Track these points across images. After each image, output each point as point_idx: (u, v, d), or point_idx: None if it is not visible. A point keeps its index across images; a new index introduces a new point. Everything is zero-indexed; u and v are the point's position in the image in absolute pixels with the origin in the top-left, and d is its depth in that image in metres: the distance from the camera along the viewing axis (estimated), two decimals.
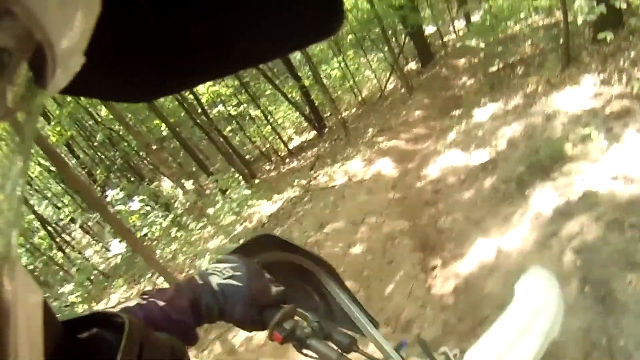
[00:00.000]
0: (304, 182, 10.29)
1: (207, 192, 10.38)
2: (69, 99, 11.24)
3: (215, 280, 0.86)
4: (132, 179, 17.25)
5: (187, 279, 0.88)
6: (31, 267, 14.30)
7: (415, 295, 4.29)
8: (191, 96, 15.55)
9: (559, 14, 10.11)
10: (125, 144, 16.88)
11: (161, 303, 0.80)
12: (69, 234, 20.76)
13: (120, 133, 16.12)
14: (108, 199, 9.49)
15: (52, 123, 12.49)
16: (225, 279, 0.86)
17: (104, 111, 14.41)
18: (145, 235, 9.54)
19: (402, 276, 4.70)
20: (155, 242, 9.51)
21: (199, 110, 15.87)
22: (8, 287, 0.25)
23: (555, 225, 3.91)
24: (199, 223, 9.94)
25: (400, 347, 0.97)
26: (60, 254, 15.36)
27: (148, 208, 9.68)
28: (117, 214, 8.99)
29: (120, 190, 9.42)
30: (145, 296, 0.82)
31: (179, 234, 9.59)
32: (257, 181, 15.09)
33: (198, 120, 15.70)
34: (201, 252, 8.19)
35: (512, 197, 4.87)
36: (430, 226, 5.52)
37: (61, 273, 13.79)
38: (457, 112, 8.73)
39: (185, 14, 0.38)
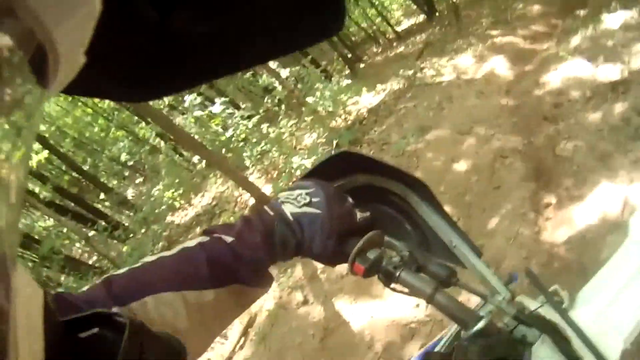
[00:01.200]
0: (409, 72, 9.44)
1: (307, 77, 9.81)
2: None
3: (289, 210, 0.76)
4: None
5: (257, 210, 0.78)
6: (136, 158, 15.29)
7: (520, 240, 3.70)
8: None
9: None
10: None
11: (229, 239, 0.72)
12: None
13: None
14: (186, 105, 9.33)
15: None
16: (300, 207, 0.76)
17: None
18: (232, 137, 9.37)
19: (509, 210, 4.09)
20: (242, 143, 9.30)
21: None
22: (8, 286, 0.25)
23: None
24: (293, 117, 9.63)
25: (510, 281, 0.86)
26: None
27: (230, 111, 9.42)
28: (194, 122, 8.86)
29: (198, 95, 9.21)
30: (209, 233, 0.74)
31: (270, 130, 9.32)
32: (362, 65, 14.55)
33: None
34: (293, 152, 7.97)
35: None
36: (547, 149, 4.69)
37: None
38: (582, 12, 7.20)
39: (185, 14, 0.38)
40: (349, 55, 15.69)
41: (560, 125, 4.88)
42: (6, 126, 0.23)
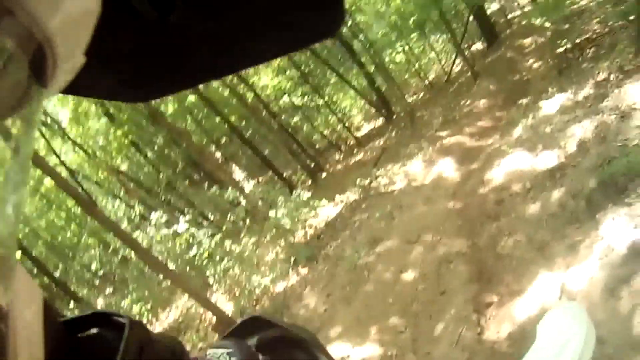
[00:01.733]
0: (366, 182, 9.90)
1: (271, 190, 10.17)
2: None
3: None
4: (196, 177, 17.40)
5: None
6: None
7: (463, 342, 3.81)
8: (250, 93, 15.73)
9: None
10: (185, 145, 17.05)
11: None
12: None
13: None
14: (153, 222, 9.46)
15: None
16: None
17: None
18: (196, 255, 9.45)
19: (453, 315, 4.23)
20: (205, 261, 9.37)
21: (261, 106, 15.96)
22: (7, 287, 0.25)
23: (628, 269, 3.27)
24: (256, 233, 9.86)
25: None
26: None
27: (193, 230, 9.55)
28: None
29: (163, 212, 9.33)
30: None
31: (234, 247, 9.44)
32: (323, 175, 15.05)
33: (264, 114, 15.79)
34: (254, 270, 8.07)
35: (580, 219, 4.20)
36: (489, 249, 4.95)
37: None
38: (524, 101, 7.91)
39: (185, 13, 0.37)
40: (312, 165, 16.23)
41: (502, 222, 5.16)
42: (7, 126, 0.23)
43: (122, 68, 0.43)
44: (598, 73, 6.30)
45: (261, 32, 0.43)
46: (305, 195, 10.59)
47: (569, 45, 7.94)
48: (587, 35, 7.78)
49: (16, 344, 0.26)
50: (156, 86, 0.49)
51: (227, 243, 9.40)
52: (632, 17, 6.09)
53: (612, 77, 5.91)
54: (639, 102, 4.92)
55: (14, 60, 0.23)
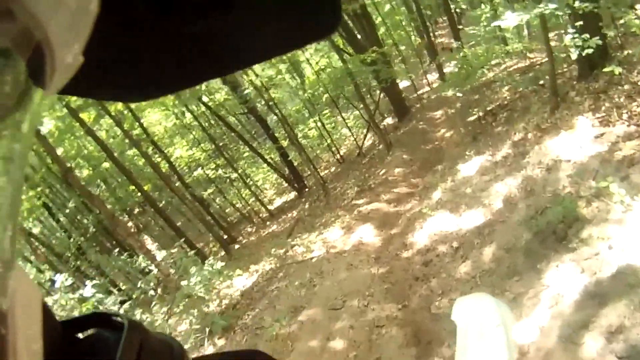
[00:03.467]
0: (281, 251, 9.40)
1: (183, 259, 9.56)
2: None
3: None
4: (107, 244, 16.95)
5: None
6: None
7: None
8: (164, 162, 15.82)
9: (534, 55, 9.75)
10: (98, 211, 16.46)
11: None
12: None
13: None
14: (57, 285, 8.71)
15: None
16: None
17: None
18: None
19: None
20: None
21: (175, 176, 15.85)
22: (7, 287, 0.25)
23: (584, 314, 2.95)
24: (167, 302, 9.04)
25: None
26: None
27: (101, 295, 8.68)
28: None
29: (68, 276, 8.64)
30: None
31: (144, 316, 8.56)
32: (236, 247, 14.61)
33: (176, 184, 15.53)
34: None
35: (519, 271, 3.94)
36: (423, 310, 4.53)
37: None
38: (439, 167, 7.95)
39: (182, 13, 0.38)
40: (225, 237, 15.75)
41: (433, 283, 4.81)
42: (4, 126, 0.23)
43: (119, 68, 0.42)
44: (514, 134, 6.41)
45: (259, 31, 0.42)
46: (219, 265, 10.08)
47: (480, 113, 8.18)
48: (499, 102, 8.07)
49: (16, 346, 0.26)
50: (154, 86, 0.48)
51: (138, 312, 8.68)
52: (541, 82, 6.35)
53: (529, 135, 6.01)
54: (562, 154, 4.93)
55: (11, 59, 0.23)
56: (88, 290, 8.46)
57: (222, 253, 13.62)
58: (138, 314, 8.57)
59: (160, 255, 9.93)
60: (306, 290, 6.58)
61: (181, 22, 0.38)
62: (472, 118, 8.58)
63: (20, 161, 0.25)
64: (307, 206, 12.79)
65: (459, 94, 9.26)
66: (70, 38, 0.27)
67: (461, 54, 8.87)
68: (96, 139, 13.43)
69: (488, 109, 8.15)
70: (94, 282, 8.90)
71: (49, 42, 0.24)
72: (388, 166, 10.46)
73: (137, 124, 15.07)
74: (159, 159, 16.05)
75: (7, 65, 0.23)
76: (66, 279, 8.58)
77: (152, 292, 9.62)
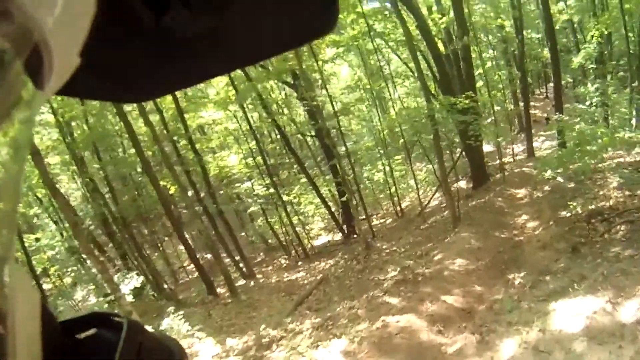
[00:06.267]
0: (271, 332, 7.84)
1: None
2: None
3: None
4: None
5: None
6: None
7: None
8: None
9: None
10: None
11: None
12: None
13: None
14: None
15: None
16: None
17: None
18: None
19: None
20: None
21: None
22: (5, 288, 0.25)
23: None
24: None
25: None
26: None
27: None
28: None
29: None
30: None
31: None
32: (251, 283, 13.37)
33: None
34: None
35: None
36: None
37: None
38: (517, 278, 5.76)
39: (181, 12, 0.38)
40: (243, 268, 14.78)
41: None
42: (2, 128, 0.23)
43: (117, 68, 0.43)
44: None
45: (256, 31, 0.43)
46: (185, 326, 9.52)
47: (580, 211, 6.05)
48: (609, 203, 5.91)
49: (15, 346, 0.26)
50: (152, 86, 0.48)
51: None
52: None
53: None
54: None
55: (9, 61, 0.23)
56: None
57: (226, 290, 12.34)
58: None
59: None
60: None
61: (178, 21, 0.37)
62: (566, 213, 6.45)
63: (17, 161, 0.25)
64: (341, 262, 11.18)
65: (557, 177, 7.29)
66: (67, 39, 0.27)
67: (577, 128, 6.94)
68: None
69: (591, 207, 6.04)
70: None
71: (46, 43, 0.25)
72: (448, 249, 8.31)
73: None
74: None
75: (4, 66, 0.22)
76: None
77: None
